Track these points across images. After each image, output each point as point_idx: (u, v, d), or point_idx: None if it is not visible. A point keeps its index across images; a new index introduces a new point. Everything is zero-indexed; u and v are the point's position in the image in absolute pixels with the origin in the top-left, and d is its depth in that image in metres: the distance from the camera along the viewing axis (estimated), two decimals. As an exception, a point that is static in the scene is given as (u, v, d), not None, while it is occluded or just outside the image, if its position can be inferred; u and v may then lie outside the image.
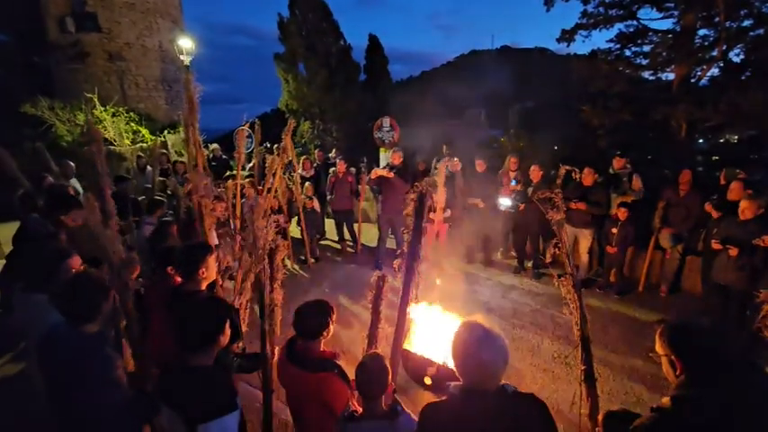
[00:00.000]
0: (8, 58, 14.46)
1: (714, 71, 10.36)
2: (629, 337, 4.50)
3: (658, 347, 1.39)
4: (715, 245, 4.24)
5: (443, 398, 1.48)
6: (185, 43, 11.78)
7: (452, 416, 1.39)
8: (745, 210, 4.10)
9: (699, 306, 4.90)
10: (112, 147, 11.11)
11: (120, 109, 11.90)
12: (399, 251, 2.58)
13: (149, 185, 6.26)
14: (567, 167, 6.15)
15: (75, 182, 6.19)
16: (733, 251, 4.07)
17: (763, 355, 2.95)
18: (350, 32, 18.70)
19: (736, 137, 13.12)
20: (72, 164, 6.37)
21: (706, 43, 9.93)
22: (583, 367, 2.12)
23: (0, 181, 5.18)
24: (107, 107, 11.53)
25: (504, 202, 6.10)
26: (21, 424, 3.19)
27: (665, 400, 1.27)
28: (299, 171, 7.41)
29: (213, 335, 1.71)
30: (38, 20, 13.13)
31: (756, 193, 4.30)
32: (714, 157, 12.94)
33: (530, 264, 6.25)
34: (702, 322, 1.35)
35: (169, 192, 5.39)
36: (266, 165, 5.10)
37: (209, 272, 2.28)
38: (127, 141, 11.45)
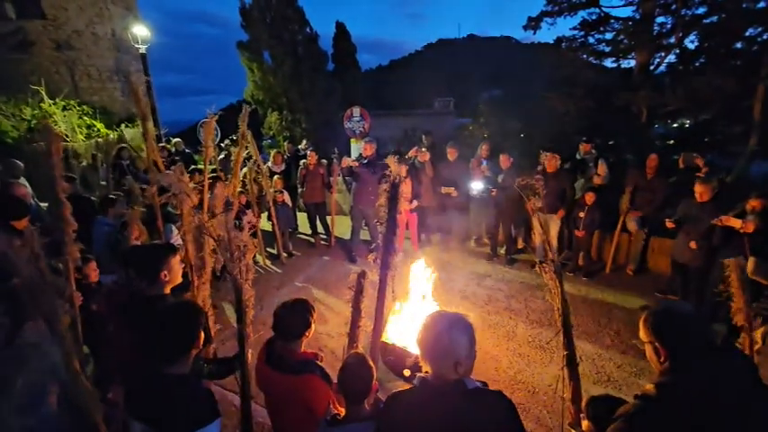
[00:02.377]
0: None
1: (671, 58, 10.78)
2: (598, 317, 4.65)
3: (642, 334, 1.40)
4: (669, 223, 4.45)
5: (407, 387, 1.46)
6: (140, 31, 11.07)
7: (408, 406, 1.37)
8: (702, 193, 4.29)
9: (662, 285, 5.12)
10: (65, 143, 10.41)
11: (72, 102, 11.13)
12: (374, 244, 2.52)
13: (105, 183, 5.89)
14: (548, 154, 6.27)
15: (24, 182, 5.76)
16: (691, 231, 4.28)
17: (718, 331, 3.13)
18: (316, 20, 18.24)
19: (688, 121, 13.77)
20: (20, 163, 5.90)
21: (664, 30, 10.27)
22: (565, 352, 2.14)
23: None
24: (57, 100, 10.76)
25: (476, 186, 6.14)
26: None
27: (650, 387, 1.28)
28: (268, 164, 7.19)
29: (191, 343, 1.63)
30: (-28, 5, 12.05)
31: (709, 175, 4.52)
32: (670, 141, 13.55)
33: (503, 251, 6.35)
34: (685, 308, 1.35)
35: (125, 189, 5.08)
36: (232, 158, 4.90)
37: (172, 275, 2.12)
38: (81, 137, 10.75)
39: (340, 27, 19.60)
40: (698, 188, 4.33)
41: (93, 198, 5.00)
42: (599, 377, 3.70)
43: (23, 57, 11.95)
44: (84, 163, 8.67)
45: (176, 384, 1.54)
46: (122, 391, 1.87)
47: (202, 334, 1.69)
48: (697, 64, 10.22)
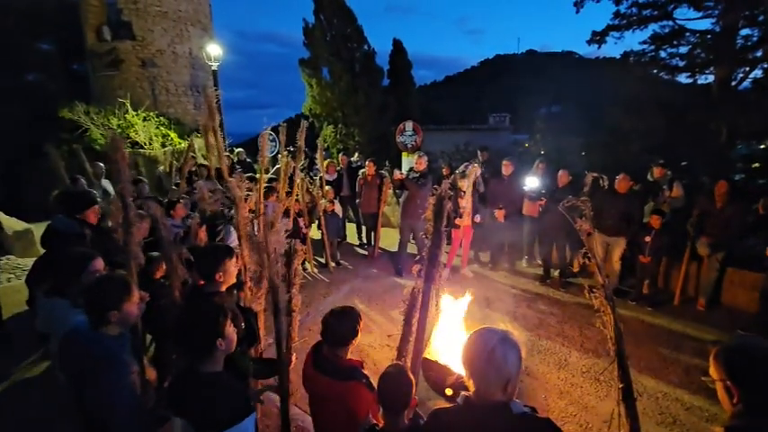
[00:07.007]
0: (50, 66, 15.25)
1: (758, 73, 9.82)
2: (664, 352, 4.24)
3: (713, 371, 1.25)
4: None
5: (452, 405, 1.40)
6: (214, 50, 12.08)
7: (450, 426, 1.32)
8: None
9: (743, 322, 4.58)
10: (142, 150, 11.49)
11: (151, 114, 12.27)
12: (419, 257, 2.50)
13: (175, 187, 6.42)
14: (594, 175, 5.91)
15: (106, 183, 6.43)
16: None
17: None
18: (376, 38, 18.82)
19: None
20: (102, 165, 6.62)
21: (749, 43, 9.41)
22: (621, 385, 1.96)
23: (39, 181, 5.41)
24: (138, 112, 11.92)
25: (531, 182, 5.91)
26: (42, 421, 3.27)
27: (719, 430, 1.14)
28: (323, 174, 7.42)
29: (211, 338, 1.58)
30: (77, 29, 13.78)
31: None
32: (755, 165, 12.22)
33: (556, 273, 6.02)
34: (764, 344, 1.19)
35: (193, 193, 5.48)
36: (286, 168, 5.16)
37: (227, 276, 2.23)
38: (157, 145, 11.80)
39: (397, 44, 20.02)
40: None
41: (161, 199, 5.44)
42: (663, 418, 3.35)
43: (114, 73, 13.43)
44: (162, 168, 9.52)
45: (209, 382, 1.57)
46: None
47: (232, 333, 1.66)
48: (789, 79, 9.24)
